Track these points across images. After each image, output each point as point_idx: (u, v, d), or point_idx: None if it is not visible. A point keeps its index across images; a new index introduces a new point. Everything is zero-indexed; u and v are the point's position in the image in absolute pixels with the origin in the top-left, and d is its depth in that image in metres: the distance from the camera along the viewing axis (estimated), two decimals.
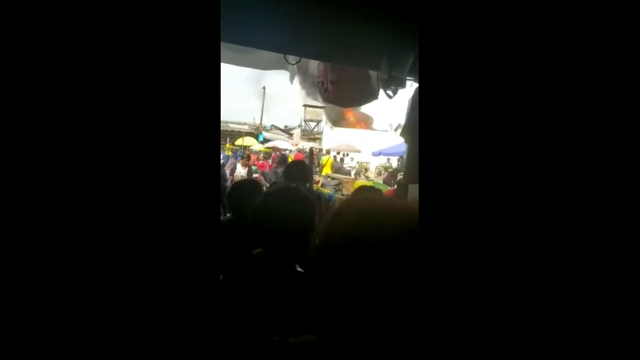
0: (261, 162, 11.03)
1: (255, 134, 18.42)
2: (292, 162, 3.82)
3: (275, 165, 5.51)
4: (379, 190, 3.15)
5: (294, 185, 1.20)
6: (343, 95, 2.84)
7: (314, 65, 2.97)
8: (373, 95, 2.68)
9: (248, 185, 2.17)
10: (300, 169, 2.90)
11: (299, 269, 1.05)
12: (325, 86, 2.89)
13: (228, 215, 1.97)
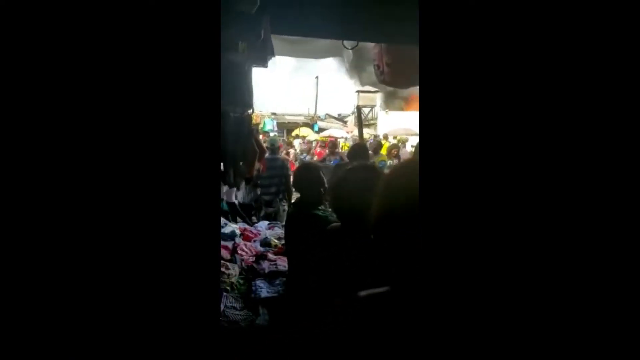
0: (319, 150, 11.19)
1: (310, 124, 18.70)
2: (354, 145, 3.97)
3: (327, 153, 5.62)
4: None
5: (369, 162, 1.28)
6: (399, 76, 2.83)
7: (368, 49, 2.98)
8: None
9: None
10: (362, 151, 2.99)
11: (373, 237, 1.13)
12: (381, 69, 2.90)
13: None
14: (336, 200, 1.21)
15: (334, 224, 1.27)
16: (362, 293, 0.66)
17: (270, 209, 3.83)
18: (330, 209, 1.59)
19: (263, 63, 1.74)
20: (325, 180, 1.80)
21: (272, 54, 1.75)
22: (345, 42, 2.29)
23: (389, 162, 5.08)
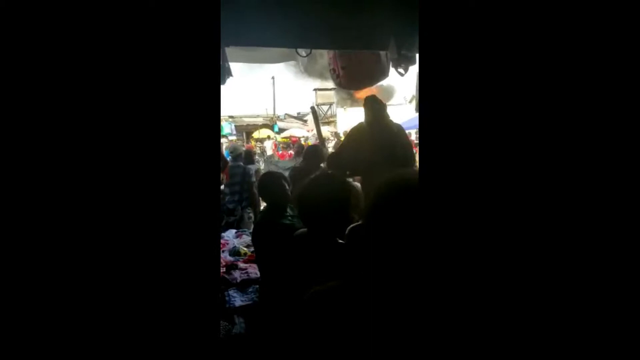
0: (280, 152, 11.11)
1: (270, 125, 18.54)
2: (308, 147, 4.00)
3: (294, 155, 5.66)
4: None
5: (331, 172, 1.35)
6: (355, 78, 2.91)
7: (323, 51, 3.05)
8: (383, 75, 2.75)
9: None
10: (318, 152, 3.07)
11: (340, 241, 1.20)
12: (337, 72, 2.98)
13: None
14: (302, 208, 1.27)
15: (300, 230, 1.33)
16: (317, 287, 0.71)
17: (232, 218, 3.79)
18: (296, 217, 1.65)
19: (221, 83, 1.78)
20: (288, 187, 1.85)
21: (230, 75, 1.80)
22: (299, 50, 2.35)
23: None
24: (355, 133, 2.35)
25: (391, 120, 2.28)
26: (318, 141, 4.97)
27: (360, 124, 2.27)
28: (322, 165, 2.98)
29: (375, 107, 2.25)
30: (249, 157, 4.70)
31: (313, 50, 2.88)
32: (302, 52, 2.47)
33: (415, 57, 2.07)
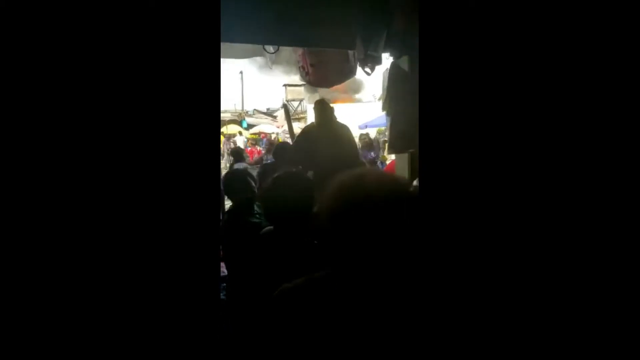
0: (249, 149, 10.97)
1: (238, 121, 18.23)
2: (278, 144, 4.00)
3: (264, 152, 5.62)
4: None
5: (295, 170, 1.37)
6: (323, 76, 2.94)
7: (291, 50, 3.05)
8: (351, 73, 2.80)
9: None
10: (285, 150, 3.09)
11: (306, 239, 1.22)
12: (306, 70, 2.99)
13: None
14: (267, 207, 1.27)
15: (267, 228, 1.34)
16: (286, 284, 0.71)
17: None
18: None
19: None
20: (254, 185, 1.85)
21: None
22: (266, 46, 2.33)
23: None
24: (306, 132, 2.60)
25: (338, 122, 2.54)
26: (289, 138, 4.97)
27: (311, 124, 2.56)
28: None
29: (324, 110, 2.57)
30: (239, 155, 4.59)
31: (281, 47, 2.88)
32: (270, 48, 2.46)
33: (380, 57, 2.11)
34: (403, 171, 2.43)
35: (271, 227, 1.31)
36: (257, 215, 1.75)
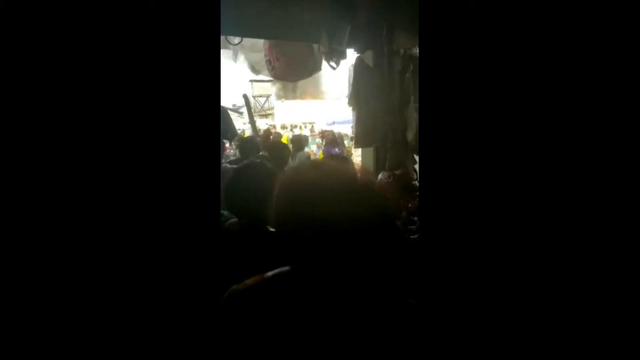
0: None
1: None
2: (244, 139, 3.94)
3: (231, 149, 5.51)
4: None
5: (257, 160, 1.35)
6: (289, 70, 2.92)
7: (258, 41, 3.01)
8: (317, 67, 2.80)
9: None
10: (253, 145, 3.05)
11: (270, 230, 1.20)
12: (272, 63, 2.95)
13: None
14: (228, 199, 1.25)
15: (231, 220, 1.31)
16: (269, 274, 0.69)
17: None
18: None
19: None
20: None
21: None
22: (229, 38, 2.28)
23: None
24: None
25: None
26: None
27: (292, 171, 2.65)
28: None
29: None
30: None
31: (249, 41, 2.83)
32: (234, 39, 2.40)
33: (345, 51, 2.13)
34: (368, 166, 2.47)
35: (235, 219, 1.29)
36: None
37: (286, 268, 0.68)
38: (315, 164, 0.67)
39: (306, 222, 0.58)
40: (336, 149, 5.52)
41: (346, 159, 3.27)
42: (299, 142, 4.56)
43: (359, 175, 0.63)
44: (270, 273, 0.69)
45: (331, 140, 5.69)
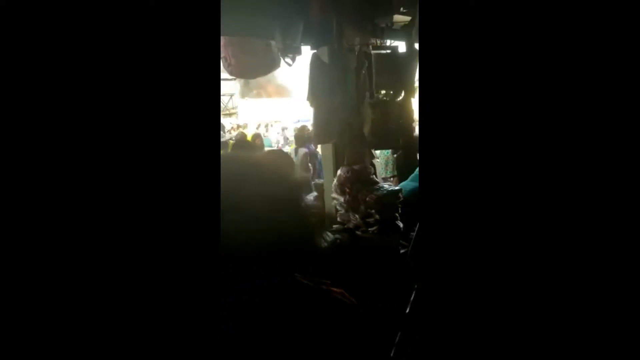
0: None
1: None
2: None
3: None
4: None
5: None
6: (246, 66, 2.87)
7: None
8: (274, 64, 2.77)
9: None
10: None
11: None
12: (228, 61, 2.89)
13: None
14: None
15: None
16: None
17: None
18: None
19: None
20: None
21: None
22: None
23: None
24: None
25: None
26: None
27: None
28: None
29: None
30: None
31: None
32: None
33: (299, 47, 2.12)
34: (328, 161, 2.48)
35: None
36: None
37: None
38: (231, 157, 0.72)
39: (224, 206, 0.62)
40: (312, 146, 5.60)
41: (283, 152, 3.32)
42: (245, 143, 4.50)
43: (269, 162, 0.68)
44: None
45: (308, 137, 5.76)
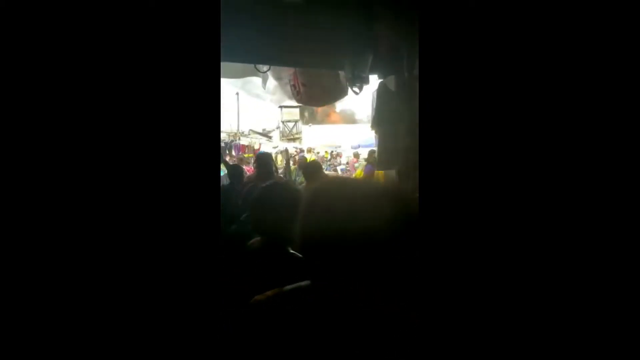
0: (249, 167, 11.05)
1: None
2: (258, 153, 3.96)
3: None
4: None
5: (283, 181, 1.39)
6: (314, 95, 3.02)
7: (285, 68, 3.15)
8: (342, 93, 2.88)
9: None
10: (267, 159, 3.13)
11: (291, 252, 1.23)
12: (297, 89, 3.07)
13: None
14: (252, 217, 1.29)
15: (255, 240, 1.35)
16: (287, 287, 0.70)
17: None
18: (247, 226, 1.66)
19: None
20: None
21: None
22: (258, 66, 2.41)
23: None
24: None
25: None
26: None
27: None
28: (274, 172, 3.02)
29: None
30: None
31: (275, 69, 2.97)
32: (262, 67, 2.54)
33: (367, 77, 2.19)
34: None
35: (258, 237, 1.33)
36: (235, 228, 1.76)
37: (306, 282, 0.70)
38: (340, 180, 0.68)
39: (331, 236, 0.59)
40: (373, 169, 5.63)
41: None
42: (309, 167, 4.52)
43: (384, 187, 0.64)
44: (288, 286, 0.71)
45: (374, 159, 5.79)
